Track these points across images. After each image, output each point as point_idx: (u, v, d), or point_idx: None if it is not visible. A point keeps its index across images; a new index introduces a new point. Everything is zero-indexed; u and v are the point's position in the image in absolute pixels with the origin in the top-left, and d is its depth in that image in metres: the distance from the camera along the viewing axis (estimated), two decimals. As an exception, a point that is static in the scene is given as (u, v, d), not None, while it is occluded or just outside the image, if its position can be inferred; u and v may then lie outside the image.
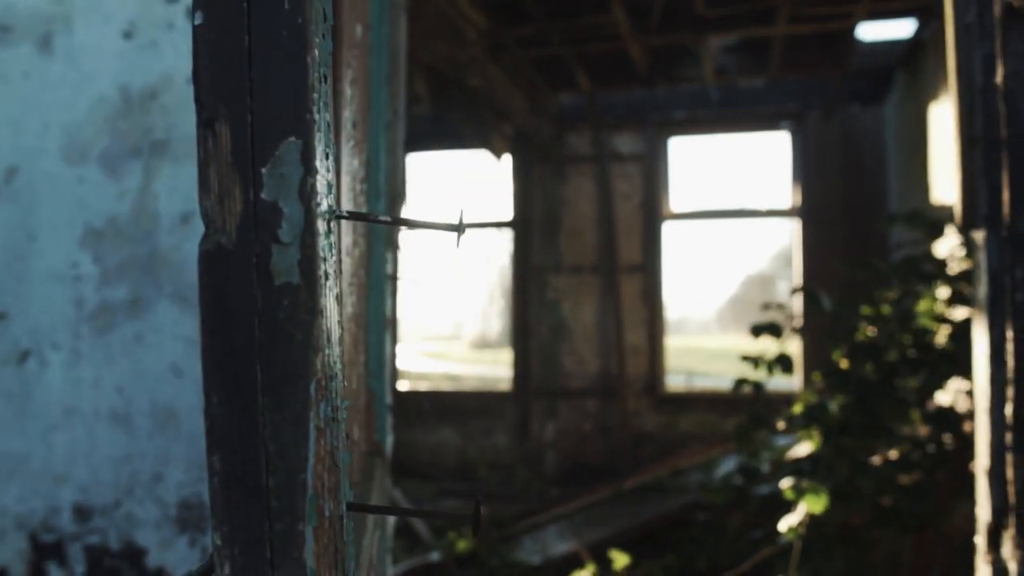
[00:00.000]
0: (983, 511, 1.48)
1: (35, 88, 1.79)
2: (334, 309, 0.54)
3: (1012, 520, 1.38)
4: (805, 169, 6.73)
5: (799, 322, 6.14)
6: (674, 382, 9.72)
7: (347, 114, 0.96)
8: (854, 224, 6.58)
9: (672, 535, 4.71)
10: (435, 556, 4.59)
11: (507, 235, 7.44)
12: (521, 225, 7.22)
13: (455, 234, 0.58)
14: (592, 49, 5.77)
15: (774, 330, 3.65)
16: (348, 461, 0.60)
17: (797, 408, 3.62)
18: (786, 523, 2.53)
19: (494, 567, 4.46)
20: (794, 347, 6.79)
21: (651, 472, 5.77)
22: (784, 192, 6.98)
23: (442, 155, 8.44)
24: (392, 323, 1.67)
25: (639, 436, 6.88)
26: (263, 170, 0.46)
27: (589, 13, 5.15)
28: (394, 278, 1.66)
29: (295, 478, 0.45)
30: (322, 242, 0.49)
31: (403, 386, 7.91)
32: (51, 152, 1.79)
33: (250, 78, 0.46)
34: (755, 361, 3.74)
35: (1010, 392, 1.39)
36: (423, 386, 9.58)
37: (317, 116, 0.49)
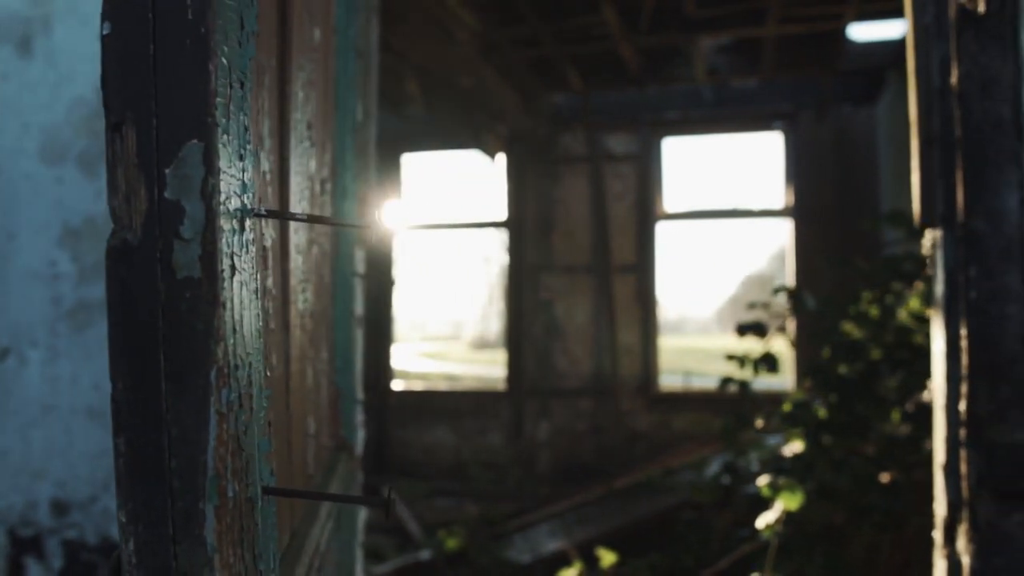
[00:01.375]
0: (939, 506, 1.50)
1: (14, 90, 1.83)
2: (248, 302, 0.57)
3: (966, 515, 1.41)
4: (798, 169, 6.76)
5: (789, 321, 6.16)
6: (673, 382, 9.73)
7: (298, 116, 0.99)
8: (847, 224, 6.60)
9: (662, 534, 4.74)
10: (425, 554, 4.62)
11: (501, 235, 7.47)
12: (515, 225, 7.25)
13: (374, 232, 0.61)
14: (584, 49, 5.80)
15: (758, 329, 3.68)
16: (268, 447, 0.63)
17: (786, 407, 3.64)
18: (763, 520, 2.55)
19: (484, 565, 4.49)
20: (787, 346, 6.82)
21: (643, 471, 5.80)
22: (777, 192, 7.01)
23: (436, 155, 8.47)
24: (363, 321, 1.70)
25: (632, 436, 6.91)
26: (167, 171, 0.48)
27: (579, 14, 5.18)
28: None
29: (196, 460, 0.48)
30: (228, 238, 0.52)
31: (398, 385, 7.94)
32: (30, 153, 1.82)
33: (155, 84, 0.49)
34: (741, 360, 3.76)
35: (964, 388, 1.41)
36: (418, 386, 9.61)
37: (224, 120, 0.51)
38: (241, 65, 0.57)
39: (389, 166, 7.58)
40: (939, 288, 1.49)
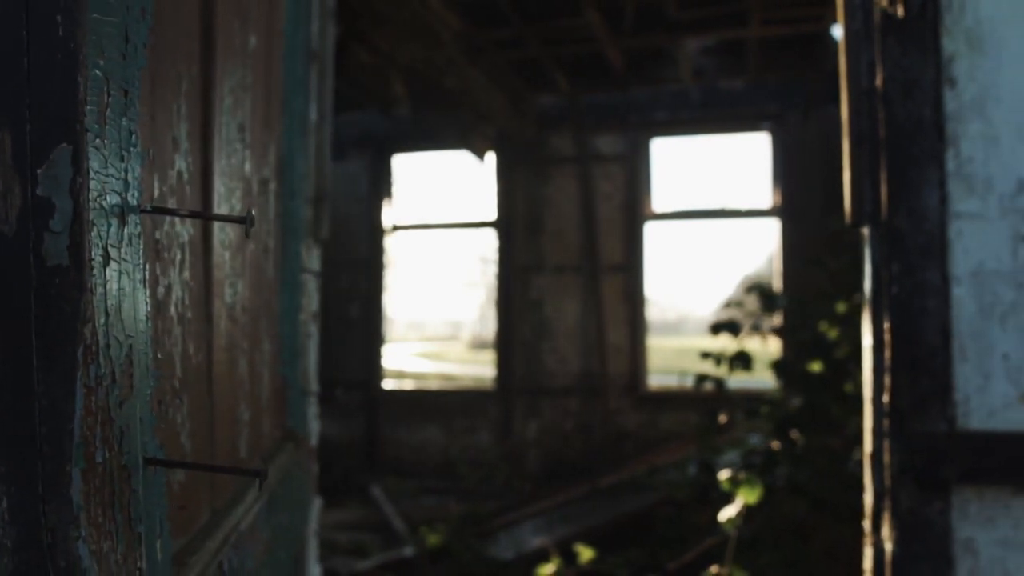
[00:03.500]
0: (867, 495, 1.56)
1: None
2: (130, 289, 0.63)
3: (889, 503, 1.46)
4: (785, 169, 6.81)
5: (775, 319, 6.21)
6: (669, 382, 9.75)
7: (226, 119, 1.05)
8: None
9: (642, 531, 4.79)
10: (409, 551, 4.67)
11: (491, 235, 7.52)
12: (504, 225, 7.31)
13: (244, 226, 0.67)
14: (569, 51, 5.85)
15: (732, 328, 3.73)
16: (153, 421, 0.69)
17: (764, 408, 3.68)
18: (724, 515, 2.61)
19: (466, 561, 4.54)
20: (767, 344, 6.87)
21: (629, 470, 5.85)
22: (765, 192, 7.07)
23: (427, 156, 8.53)
24: (318, 316, 1.75)
25: (620, 434, 6.96)
26: (39, 171, 0.54)
27: (563, 15, 5.23)
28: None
29: (63, 428, 0.54)
30: (101, 231, 0.58)
31: (390, 385, 8.00)
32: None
33: (29, 93, 0.55)
34: (717, 358, 3.81)
35: (887, 381, 1.47)
36: (411, 385, 9.67)
37: (96, 126, 0.57)
38: (125, 75, 0.63)
39: (380, 167, 7.64)
40: (867, 284, 1.55)
